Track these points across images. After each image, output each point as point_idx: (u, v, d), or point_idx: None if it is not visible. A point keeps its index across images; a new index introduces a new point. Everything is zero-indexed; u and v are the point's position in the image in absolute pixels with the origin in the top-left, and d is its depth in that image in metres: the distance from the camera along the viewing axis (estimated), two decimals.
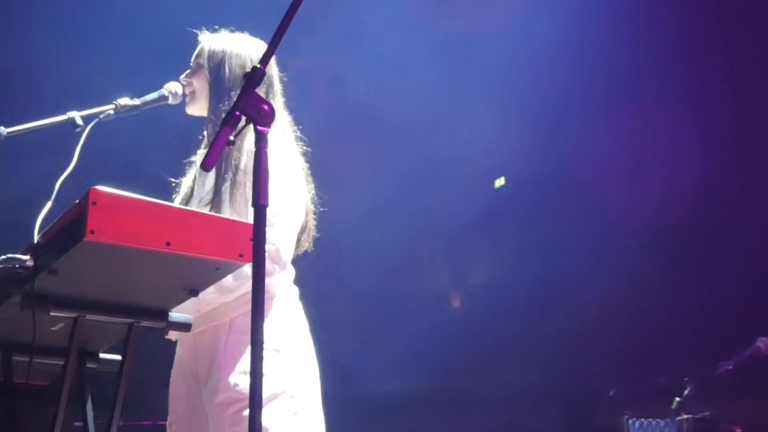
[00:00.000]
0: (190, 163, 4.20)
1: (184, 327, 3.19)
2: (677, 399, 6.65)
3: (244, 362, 3.62)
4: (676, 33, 8.50)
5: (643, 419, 6.64)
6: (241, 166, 3.81)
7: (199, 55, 4.11)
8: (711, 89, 8.49)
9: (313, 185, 4.03)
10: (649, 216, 8.63)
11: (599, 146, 8.86)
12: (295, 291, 3.93)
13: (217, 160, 3.77)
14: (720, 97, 8.47)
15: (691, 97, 8.51)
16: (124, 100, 3.83)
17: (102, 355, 3.46)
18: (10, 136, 3.45)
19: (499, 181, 9.71)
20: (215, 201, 3.81)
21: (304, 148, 4.06)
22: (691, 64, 8.51)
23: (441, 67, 8.85)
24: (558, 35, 8.54)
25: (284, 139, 3.96)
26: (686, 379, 6.73)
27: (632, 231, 8.74)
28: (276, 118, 3.88)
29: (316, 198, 4.04)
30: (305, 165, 4.02)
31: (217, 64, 4.03)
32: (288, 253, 3.77)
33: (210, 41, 4.11)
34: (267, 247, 3.60)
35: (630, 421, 6.62)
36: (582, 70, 8.72)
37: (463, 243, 9.89)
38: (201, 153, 4.12)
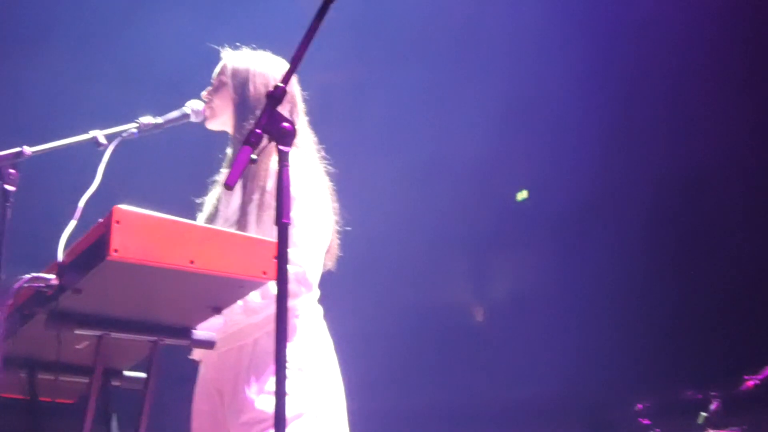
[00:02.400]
0: (214, 181, 4.21)
1: (208, 345, 3.20)
2: (703, 413, 6.60)
3: (269, 382, 3.63)
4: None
5: None
6: (268, 188, 3.80)
7: (222, 73, 4.11)
8: None
9: (337, 204, 4.03)
10: (676, 226, 8.59)
11: (623, 157, 8.83)
12: (320, 310, 3.93)
13: (243, 180, 3.82)
14: None
15: None
16: (147, 119, 3.84)
17: (126, 373, 3.47)
18: (35, 155, 3.46)
19: (522, 194, 9.69)
20: (241, 222, 3.81)
21: (328, 167, 4.06)
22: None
23: (460, 78, 8.84)
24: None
25: (308, 159, 3.96)
26: (713, 393, 6.68)
27: (653, 242, 8.70)
28: (300, 138, 3.92)
29: (339, 217, 4.04)
30: (329, 184, 4.01)
31: (241, 82, 4.03)
32: (315, 275, 3.78)
33: (233, 59, 4.11)
34: (294, 269, 3.62)
35: None
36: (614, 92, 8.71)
37: (486, 257, 9.88)
38: (225, 172, 4.13)
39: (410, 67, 8.88)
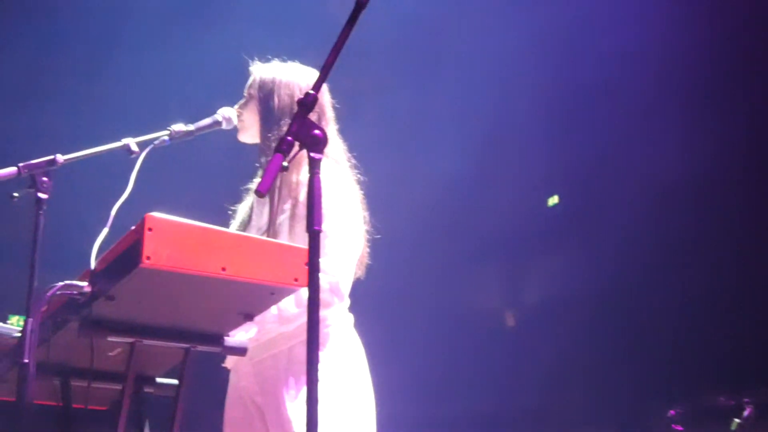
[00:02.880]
0: (247, 189, 4.22)
1: (240, 351, 3.21)
2: (736, 420, 6.55)
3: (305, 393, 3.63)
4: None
5: None
6: (301, 198, 3.81)
7: (250, 86, 4.14)
8: None
9: (367, 213, 4.03)
10: (713, 230, 8.54)
11: (652, 161, 8.78)
12: (351, 319, 3.93)
13: (275, 190, 3.83)
14: None
15: None
16: (179, 126, 3.85)
17: (159, 380, 3.49)
18: (67, 163, 3.48)
19: (553, 199, 9.65)
20: (271, 231, 3.82)
21: (359, 176, 4.06)
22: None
23: (490, 79, 8.82)
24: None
25: (339, 168, 3.96)
26: (746, 399, 6.63)
27: (687, 247, 8.65)
28: (330, 147, 3.93)
29: (370, 225, 4.04)
30: (360, 193, 4.01)
31: (266, 94, 4.05)
32: (347, 285, 3.78)
33: (261, 71, 4.13)
34: (328, 279, 3.63)
35: None
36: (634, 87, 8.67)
37: (517, 261, 9.85)
38: (257, 180, 4.14)
39: (442, 71, 8.87)
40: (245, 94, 4.15)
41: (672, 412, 7.02)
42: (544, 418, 9.12)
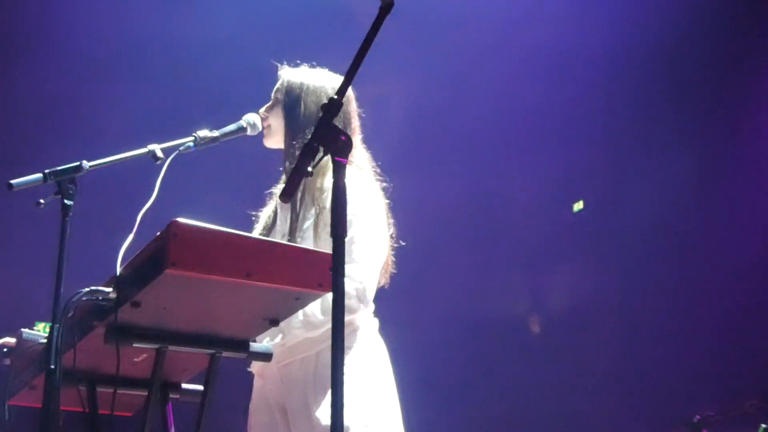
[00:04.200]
0: (270, 194, 4.22)
1: (265, 357, 3.21)
2: (763, 426, 6.50)
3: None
4: None
5: None
6: (326, 205, 3.80)
7: (278, 90, 4.13)
8: None
9: (392, 220, 4.02)
10: (739, 231, 8.50)
11: (678, 167, 8.75)
12: (376, 323, 3.93)
13: (300, 197, 3.83)
14: None
15: None
16: (204, 132, 3.86)
17: (184, 386, 3.49)
18: (93, 169, 3.49)
19: (578, 205, 9.62)
20: (295, 237, 3.82)
21: (383, 184, 4.05)
22: None
23: (513, 89, 8.81)
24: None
25: (364, 176, 3.96)
26: None
27: (717, 248, 8.60)
28: (355, 155, 3.93)
29: (394, 232, 4.03)
30: (385, 201, 4.01)
31: (293, 100, 4.05)
32: (372, 291, 3.78)
33: (289, 76, 4.13)
34: (354, 285, 3.63)
35: None
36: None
37: (542, 268, 9.82)
38: (281, 187, 4.14)
39: (469, 75, 8.86)
40: (272, 97, 4.15)
41: (698, 416, 6.97)
42: (570, 424, 9.08)
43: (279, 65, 4.21)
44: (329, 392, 3.65)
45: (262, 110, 4.13)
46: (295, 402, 3.75)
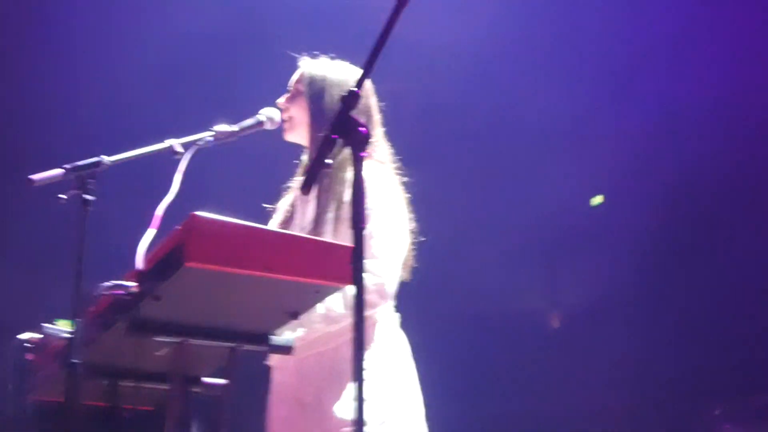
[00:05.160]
0: (287, 188, 4.22)
1: (286, 350, 3.21)
2: None
3: (351, 391, 3.64)
4: None
5: None
6: (345, 199, 3.80)
7: (299, 81, 4.12)
8: None
9: (413, 215, 4.02)
10: (758, 222, 8.47)
11: (696, 161, 8.72)
12: (397, 318, 3.93)
13: (318, 188, 3.84)
14: None
15: None
16: (222, 126, 3.86)
17: (205, 380, 3.50)
18: (113, 165, 3.51)
19: (597, 199, 9.60)
20: (317, 230, 3.81)
21: (404, 178, 4.05)
22: None
23: (532, 83, 8.79)
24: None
25: (385, 170, 3.95)
26: None
27: (735, 239, 8.57)
28: (376, 149, 3.93)
29: (414, 227, 4.03)
30: (406, 195, 4.00)
31: (317, 92, 4.03)
32: (393, 286, 3.78)
33: (311, 67, 4.11)
34: (375, 280, 3.63)
35: None
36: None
37: (561, 262, 9.81)
38: (299, 179, 4.14)
39: (480, 70, 8.86)
40: (291, 89, 4.14)
41: (718, 410, 6.96)
42: (590, 418, 9.08)
43: (298, 56, 4.20)
44: (346, 387, 3.67)
45: (281, 101, 4.12)
46: (312, 396, 3.75)
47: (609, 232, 9.33)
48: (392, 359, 3.80)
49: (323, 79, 4.05)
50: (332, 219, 3.81)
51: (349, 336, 3.61)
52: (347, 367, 3.66)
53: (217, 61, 8.16)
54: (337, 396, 3.68)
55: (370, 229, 3.62)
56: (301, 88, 4.08)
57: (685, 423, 8.48)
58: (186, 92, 7.92)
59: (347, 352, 3.65)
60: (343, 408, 3.62)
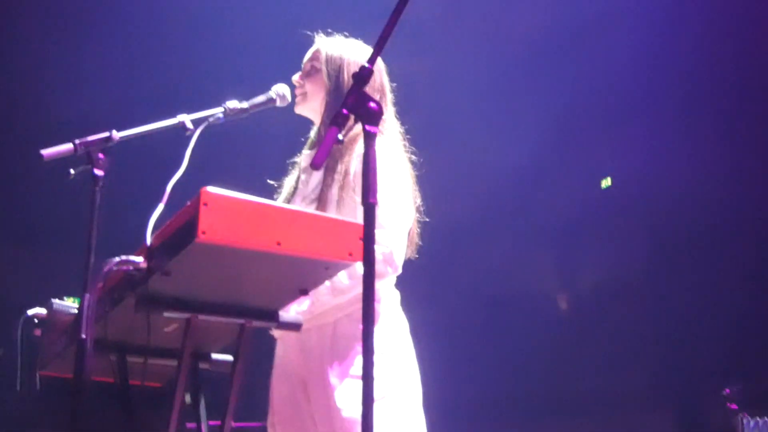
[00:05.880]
0: (293, 163, 4.22)
1: (295, 327, 3.20)
2: None
3: (352, 367, 3.64)
4: None
5: (758, 418, 6.48)
6: (352, 170, 3.80)
7: (315, 58, 4.11)
8: None
9: (419, 194, 4.01)
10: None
11: (708, 144, 8.70)
12: (398, 296, 3.93)
13: (327, 165, 3.84)
14: None
15: None
16: (233, 103, 3.86)
17: (214, 356, 3.50)
18: (123, 140, 3.50)
19: (606, 182, 9.59)
20: (321, 199, 3.81)
21: (413, 157, 4.04)
22: None
23: (544, 62, 8.77)
24: None
25: (395, 148, 3.95)
26: None
27: (742, 223, 8.56)
28: (387, 128, 3.93)
29: (422, 207, 4.03)
30: (414, 174, 4.00)
31: (335, 69, 4.03)
32: (401, 256, 3.77)
33: (327, 45, 4.11)
34: (382, 249, 3.63)
35: (745, 420, 6.46)
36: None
37: (570, 245, 9.81)
38: (306, 153, 4.14)
39: (500, 59, 8.83)
40: (306, 65, 4.14)
41: (727, 390, 6.96)
42: (600, 399, 9.10)
43: (313, 34, 4.19)
44: (347, 363, 3.67)
45: (296, 77, 4.12)
46: (314, 372, 3.75)
47: (619, 216, 9.32)
48: (392, 336, 3.80)
49: (340, 58, 4.05)
50: (338, 188, 3.80)
51: (349, 310, 3.65)
52: (347, 343, 3.68)
53: (228, 37, 8.14)
54: (336, 373, 3.68)
55: (377, 199, 3.62)
56: (318, 65, 4.08)
57: (694, 402, 8.50)
58: (197, 68, 7.91)
59: (347, 326, 3.68)
60: (347, 386, 3.62)
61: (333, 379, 3.67)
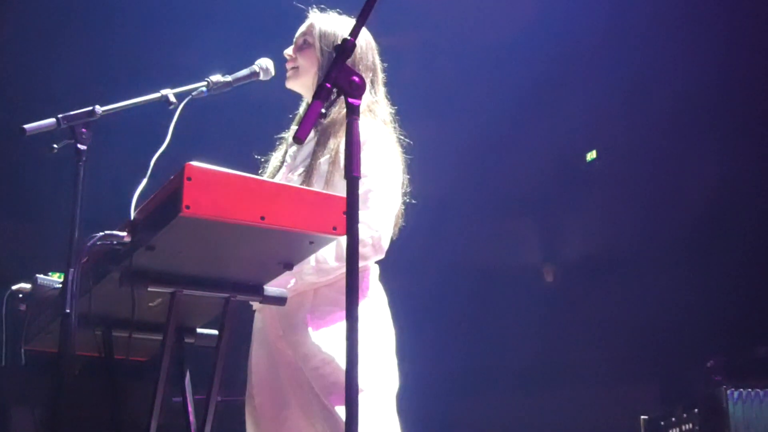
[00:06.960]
0: (281, 139, 4.21)
1: (280, 301, 3.21)
2: None
3: (333, 326, 3.61)
4: None
5: (742, 389, 6.49)
6: (340, 149, 3.78)
7: (308, 33, 4.08)
8: None
9: (407, 176, 4.00)
10: (749, 180, 8.47)
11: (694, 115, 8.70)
12: (377, 270, 3.91)
13: (314, 142, 3.83)
14: None
15: None
16: (216, 77, 3.85)
17: (199, 330, 3.51)
18: (106, 114, 3.48)
19: (591, 155, 9.59)
20: (309, 171, 3.80)
21: (404, 139, 4.03)
22: None
23: (529, 36, 8.74)
24: None
25: (385, 128, 3.94)
26: None
27: (725, 197, 8.58)
28: (378, 108, 3.92)
29: (408, 189, 4.01)
30: (403, 155, 3.99)
31: (328, 45, 4.01)
32: (387, 240, 3.76)
33: (321, 21, 4.08)
34: (370, 233, 3.63)
35: (729, 392, 6.48)
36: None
37: (555, 217, 9.82)
38: (294, 129, 4.13)
39: (473, 28, 8.80)
40: (299, 39, 4.11)
41: (711, 362, 6.98)
42: (583, 372, 9.14)
43: (306, 9, 4.16)
44: (327, 321, 3.65)
45: (288, 51, 4.10)
46: (292, 337, 3.68)
47: (603, 186, 9.33)
48: (371, 309, 3.79)
49: (334, 34, 4.02)
50: (326, 163, 3.79)
51: (331, 279, 3.63)
52: (327, 308, 3.66)
53: (214, 9, 8.10)
54: (321, 333, 3.64)
55: (367, 185, 3.62)
56: (311, 40, 4.05)
57: (678, 374, 8.54)
58: (181, 42, 7.87)
59: (327, 292, 3.66)
60: (328, 344, 3.60)
61: (316, 340, 3.60)
